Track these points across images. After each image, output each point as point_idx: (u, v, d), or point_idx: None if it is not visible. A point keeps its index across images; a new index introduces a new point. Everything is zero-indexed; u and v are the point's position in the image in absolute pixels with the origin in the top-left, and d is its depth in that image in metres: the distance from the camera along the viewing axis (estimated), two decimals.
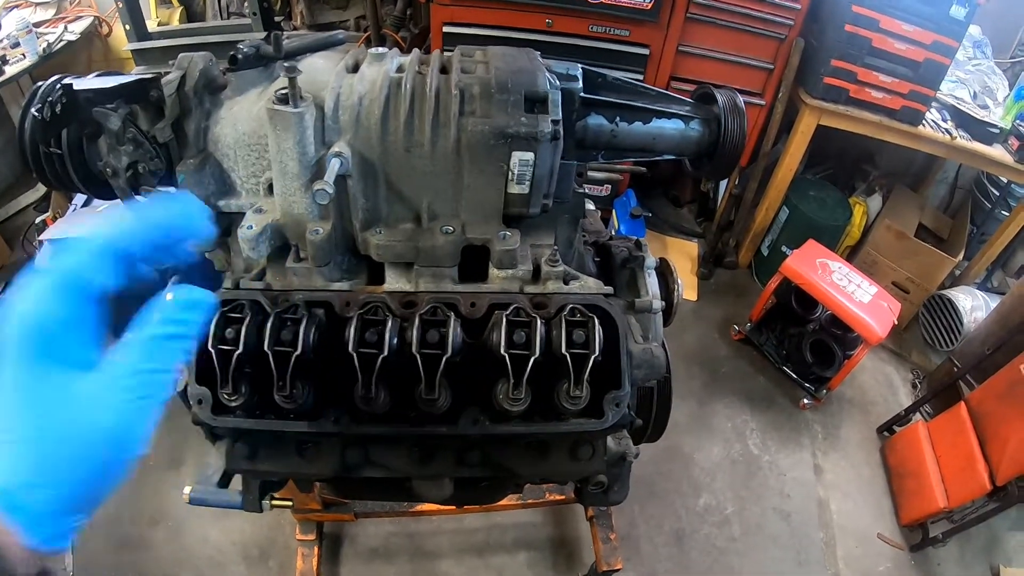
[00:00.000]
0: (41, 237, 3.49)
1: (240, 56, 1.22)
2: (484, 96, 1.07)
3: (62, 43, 4.51)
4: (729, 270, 4.66)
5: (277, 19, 3.87)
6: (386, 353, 0.97)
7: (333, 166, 0.99)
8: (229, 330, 1.00)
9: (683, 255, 4.53)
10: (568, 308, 1.05)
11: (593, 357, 1.01)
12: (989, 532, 3.43)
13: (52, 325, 0.63)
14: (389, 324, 0.99)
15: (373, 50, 1.20)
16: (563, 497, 2.87)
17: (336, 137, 1.07)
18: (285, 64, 1.01)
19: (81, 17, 4.79)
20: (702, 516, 3.33)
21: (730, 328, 4.16)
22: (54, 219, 3.98)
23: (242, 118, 1.18)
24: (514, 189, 1.10)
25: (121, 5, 3.96)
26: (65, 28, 4.63)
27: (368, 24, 4.33)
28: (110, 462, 0.62)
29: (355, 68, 1.17)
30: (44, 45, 4.38)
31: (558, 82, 1.17)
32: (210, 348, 0.99)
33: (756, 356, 4.06)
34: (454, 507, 2.54)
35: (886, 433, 3.80)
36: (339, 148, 1.03)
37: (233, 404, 1.04)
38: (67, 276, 0.65)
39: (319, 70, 1.15)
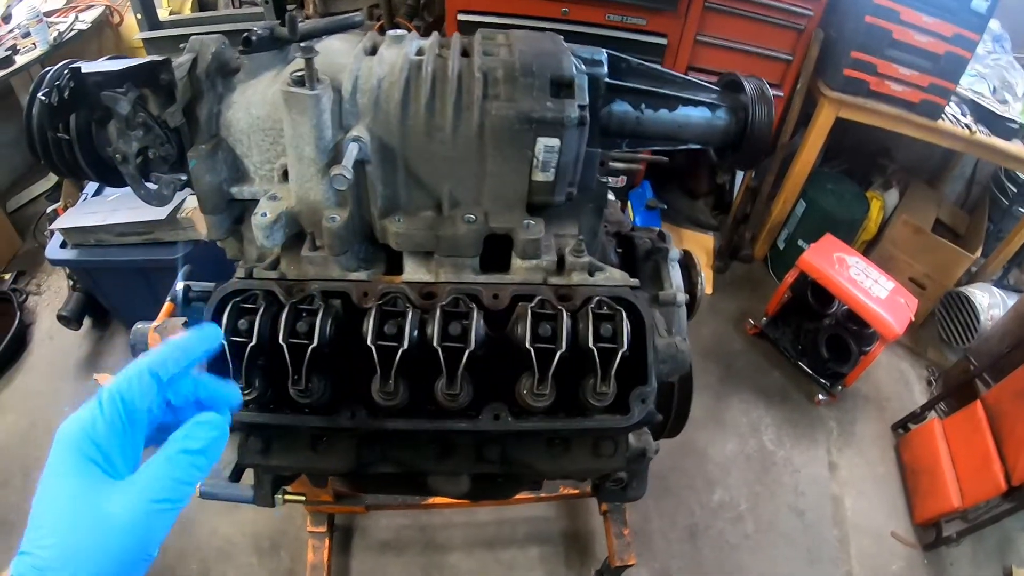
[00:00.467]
0: (52, 227, 3.47)
1: (254, 38, 1.19)
2: (508, 79, 1.03)
3: (73, 32, 4.49)
4: (745, 263, 4.60)
5: (289, 8, 3.83)
6: (406, 346, 0.93)
7: (351, 151, 0.95)
8: (243, 321, 0.97)
9: (698, 248, 4.47)
10: (595, 301, 1.01)
11: (621, 352, 0.98)
12: (1002, 532, 3.38)
13: (101, 437, 0.73)
14: (409, 316, 0.95)
15: (392, 32, 1.16)
16: (577, 491, 2.83)
17: (354, 121, 1.03)
18: (302, 45, 0.97)
19: (92, 6, 4.77)
20: (716, 512, 3.29)
21: (745, 322, 4.11)
22: (65, 208, 3.97)
23: (256, 102, 1.15)
24: (539, 176, 1.06)
25: None
26: (76, 17, 4.62)
27: (381, 13, 4.29)
28: (132, 563, 0.71)
29: (373, 51, 1.13)
30: (55, 34, 4.37)
31: (583, 67, 1.13)
32: (222, 340, 0.96)
33: (771, 351, 4.01)
34: (468, 501, 2.52)
35: (901, 430, 3.75)
36: (357, 132, 1.00)
37: (247, 398, 1.00)
38: (118, 398, 0.75)
39: (336, 52, 1.12)
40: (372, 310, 0.97)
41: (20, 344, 3.99)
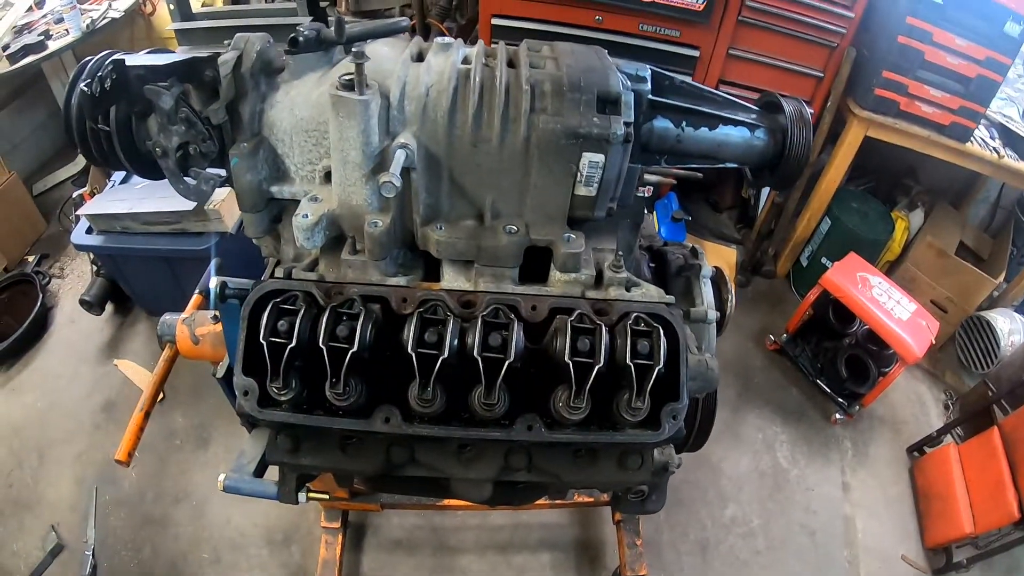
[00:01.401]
0: (79, 212, 3.51)
1: (301, 39, 1.20)
2: (556, 94, 1.04)
3: (106, 20, 4.53)
4: (767, 279, 4.58)
5: (323, 4, 3.86)
6: (446, 355, 0.94)
7: (399, 158, 0.96)
8: (282, 322, 0.98)
9: (721, 261, 4.45)
10: (632, 317, 1.02)
11: (657, 369, 0.98)
12: (1012, 560, 3.34)
13: None
14: (450, 324, 0.96)
15: (439, 39, 1.17)
16: (591, 500, 2.83)
17: (401, 128, 1.04)
18: (353, 50, 0.98)
19: None
20: (728, 527, 3.28)
21: (765, 338, 4.10)
22: (92, 194, 4.01)
23: (300, 103, 1.16)
24: (581, 191, 1.07)
25: None
26: (109, 5, 4.65)
27: (413, 12, 4.31)
28: None
29: (420, 57, 1.14)
30: (88, 21, 4.41)
31: (628, 82, 1.13)
32: (262, 340, 0.96)
33: (790, 368, 3.99)
34: (486, 506, 2.53)
35: (916, 453, 3.72)
36: (405, 139, 1.00)
37: (283, 398, 1.01)
38: None
39: (384, 57, 1.12)
40: (413, 317, 0.97)
41: (41, 326, 4.04)
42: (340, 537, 2.89)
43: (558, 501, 2.86)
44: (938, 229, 4.28)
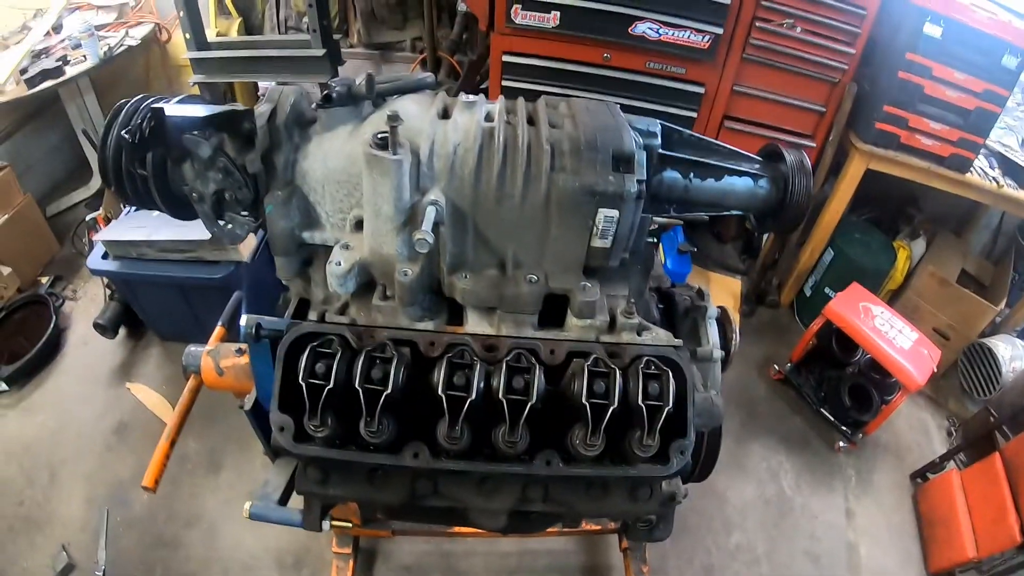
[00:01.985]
0: (96, 238, 3.58)
1: (333, 95, 1.27)
2: (574, 153, 1.11)
3: (123, 47, 4.61)
4: (771, 309, 4.63)
5: (335, 37, 3.95)
6: (474, 397, 1.01)
7: (430, 214, 1.04)
8: (320, 364, 1.05)
9: (726, 292, 4.51)
10: (644, 360, 1.08)
11: (666, 409, 1.05)
12: None
13: None
14: (477, 368, 1.03)
15: (464, 98, 1.24)
16: (599, 527, 2.87)
17: (430, 184, 1.11)
18: (388, 112, 1.06)
19: (142, 23, 4.91)
20: (732, 554, 3.31)
21: (769, 367, 4.14)
22: (106, 218, 4.07)
23: (332, 155, 1.23)
24: (597, 243, 1.14)
25: (182, 14, 4.07)
26: (127, 33, 4.74)
27: (424, 46, 4.41)
28: None
29: (445, 114, 1.22)
30: (105, 48, 4.48)
31: (640, 139, 1.21)
32: (301, 382, 1.03)
33: (794, 397, 4.03)
34: (499, 534, 2.57)
35: (919, 480, 3.75)
36: (435, 196, 1.08)
37: (319, 435, 1.08)
38: None
39: (412, 115, 1.20)
40: (442, 362, 1.04)
41: (54, 347, 4.09)
42: (351, 563, 2.92)
43: (567, 528, 2.90)
44: (940, 258, 4.33)
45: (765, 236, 4.47)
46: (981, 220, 4.71)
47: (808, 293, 4.42)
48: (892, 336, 3.47)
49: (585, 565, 3.19)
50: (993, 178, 3.60)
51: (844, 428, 3.76)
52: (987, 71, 3.30)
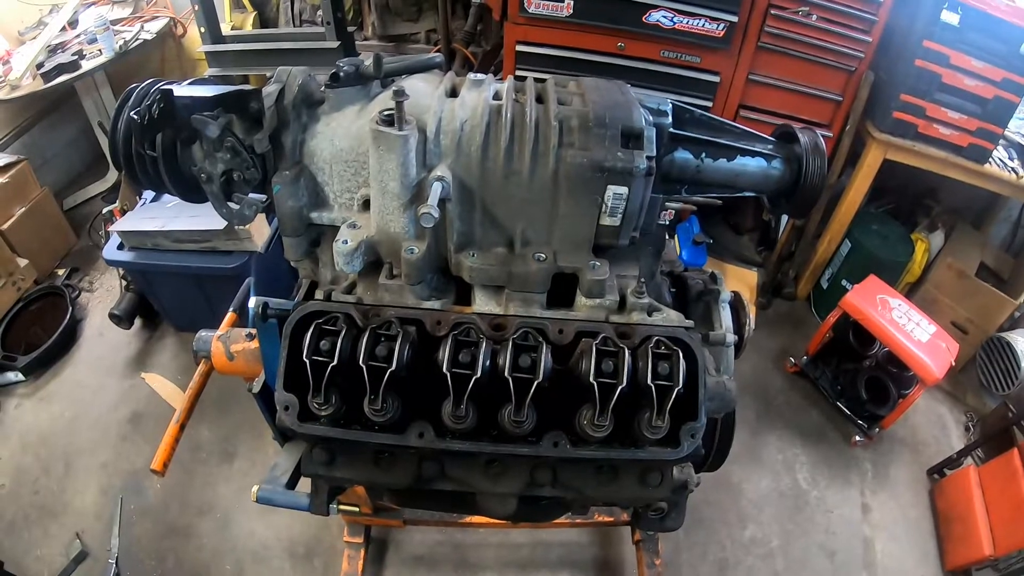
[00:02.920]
0: (111, 229, 3.60)
1: (341, 74, 1.27)
2: (582, 129, 1.10)
3: (138, 42, 4.64)
4: (787, 301, 4.59)
5: (350, 29, 3.95)
6: (479, 375, 1.00)
7: (436, 190, 1.02)
8: (324, 342, 1.04)
9: (742, 284, 4.48)
10: (653, 340, 1.07)
11: (676, 390, 1.03)
12: None
13: None
14: (483, 346, 1.02)
15: (472, 76, 1.23)
16: (611, 519, 2.86)
17: (437, 161, 1.10)
18: (393, 88, 1.05)
19: (157, 17, 4.94)
20: (747, 548, 3.29)
21: (785, 360, 4.11)
22: (122, 210, 4.10)
23: (340, 134, 1.22)
24: (606, 221, 1.12)
25: (197, 8, 4.10)
26: (142, 27, 4.77)
27: (439, 38, 4.41)
28: None
29: (453, 92, 1.21)
30: (120, 43, 4.51)
31: (650, 117, 1.19)
32: (305, 359, 1.02)
33: (810, 390, 3.99)
34: (509, 522, 2.56)
35: (936, 475, 3.71)
36: (441, 172, 1.07)
37: (323, 414, 1.07)
38: None
39: (420, 93, 1.19)
40: (448, 339, 1.03)
41: (70, 338, 4.13)
42: (362, 552, 2.93)
43: (579, 520, 2.88)
44: (958, 250, 4.28)
45: (782, 228, 4.43)
46: (1000, 212, 4.65)
47: (825, 285, 4.38)
48: (910, 329, 3.43)
49: (597, 558, 3.18)
50: (1012, 169, 3.54)
51: (860, 422, 3.73)
52: (1006, 59, 3.25)
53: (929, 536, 3.48)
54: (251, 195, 1.34)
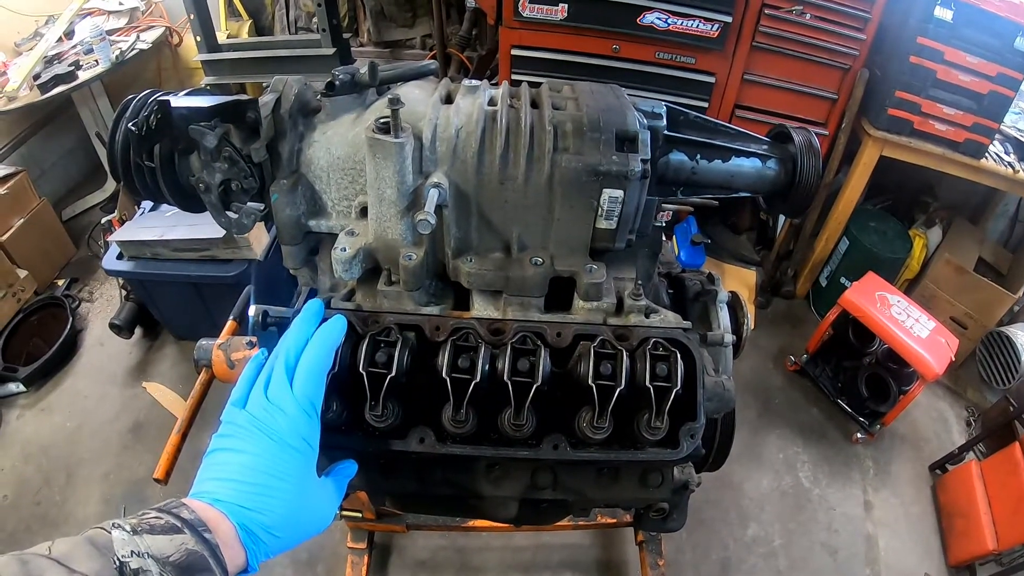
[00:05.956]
0: (110, 239, 3.62)
1: (337, 82, 1.27)
2: (577, 133, 1.11)
3: (134, 51, 4.67)
4: (786, 300, 4.60)
5: (345, 36, 3.97)
6: (478, 379, 1.00)
7: (432, 196, 1.03)
8: None
9: (741, 283, 4.49)
10: (651, 342, 1.07)
11: (675, 391, 1.04)
12: None
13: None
14: (482, 351, 1.02)
15: (467, 82, 1.24)
16: (614, 520, 2.86)
17: (433, 167, 1.11)
18: (389, 95, 1.05)
19: (153, 27, 4.97)
20: (749, 547, 3.29)
21: (785, 359, 4.12)
22: (120, 220, 4.12)
23: (336, 142, 1.23)
24: (602, 224, 1.13)
25: (192, 17, 4.10)
26: (138, 37, 4.80)
27: (434, 43, 4.42)
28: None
29: (448, 99, 1.21)
30: (117, 53, 4.54)
31: (645, 120, 1.20)
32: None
33: (811, 388, 4.01)
34: (511, 526, 2.56)
35: (938, 471, 3.72)
36: (437, 179, 1.07)
37: (323, 420, 1.07)
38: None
39: (415, 100, 1.20)
40: (447, 344, 1.04)
41: (71, 348, 4.15)
42: (366, 558, 2.93)
43: (581, 522, 2.89)
44: (956, 246, 4.30)
45: (779, 227, 4.44)
46: (998, 207, 4.67)
47: (824, 283, 4.40)
48: (909, 325, 3.44)
49: (600, 560, 3.19)
50: (1009, 164, 3.56)
51: (861, 419, 3.74)
52: (1000, 54, 3.27)
53: (932, 532, 3.49)
54: (249, 204, 1.34)
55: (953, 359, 3.45)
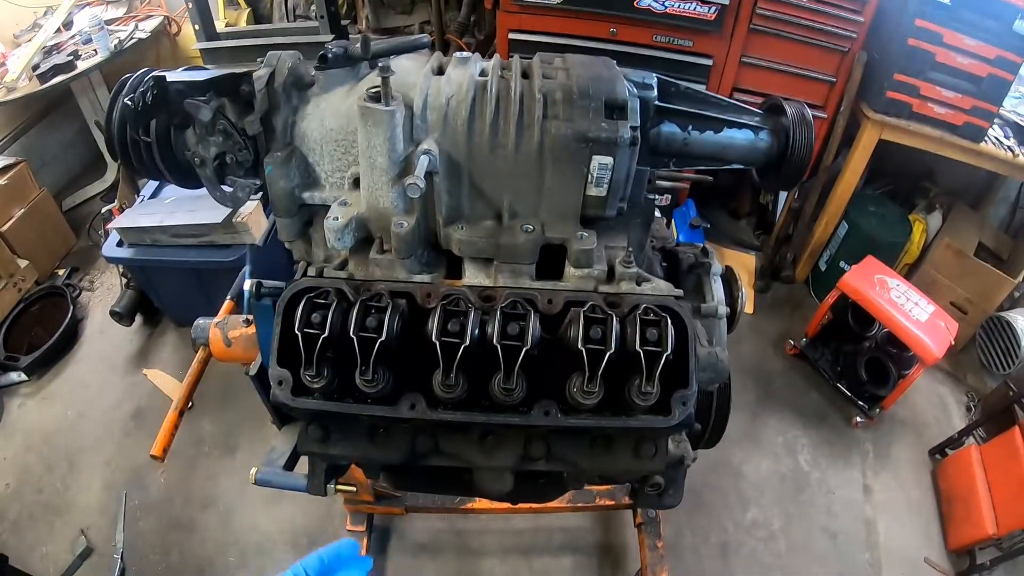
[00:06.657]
0: (110, 226, 3.62)
1: (330, 56, 1.28)
2: (566, 101, 1.11)
3: (133, 41, 4.67)
4: (786, 284, 4.60)
5: (343, 23, 3.96)
6: (468, 343, 1.01)
7: (423, 162, 1.04)
8: (315, 315, 1.05)
9: (741, 267, 4.49)
10: (642, 308, 1.08)
11: (665, 355, 1.04)
12: None
13: None
14: (471, 315, 1.03)
15: (458, 54, 1.24)
16: (612, 502, 2.88)
17: (424, 135, 1.11)
18: (380, 64, 1.06)
19: (151, 16, 4.97)
20: (749, 530, 3.30)
21: (785, 343, 4.12)
22: (120, 209, 4.13)
23: (329, 115, 1.24)
24: (592, 191, 1.14)
25: (191, 5, 4.09)
26: (136, 26, 4.80)
27: (432, 29, 4.42)
28: None
29: (440, 71, 1.22)
30: (115, 42, 4.55)
31: (635, 90, 1.20)
32: (296, 331, 1.03)
33: (810, 372, 4.01)
34: (507, 505, 2.57)
35: (938, 456, 3.72)
36: (428, 145, 1.08)
37: (315, 386, 1.08)
38: None
39: (407, 71, 1.20)
40: (437, 309, 1.04)
41: (72, 337, 4.16)
42: (365, 540, 2.95)
43: (580, 503, 2.90)
44: (956, 230, 4.29)
45: (779, 211, 4.44)
46: (998, 192, 4.66)
47: (823, 268, 4.40)
48: (908, 308, 3.44)
49: (600, 542, 3.21)
50: (1008, 147, 3.55)
51: (861, 403, 3.74)
52: (999, 37, 3.26)
53: (932, 516, 3.49)
54: (243, 178, 1.35)
55: (952, 343, 3.44)
